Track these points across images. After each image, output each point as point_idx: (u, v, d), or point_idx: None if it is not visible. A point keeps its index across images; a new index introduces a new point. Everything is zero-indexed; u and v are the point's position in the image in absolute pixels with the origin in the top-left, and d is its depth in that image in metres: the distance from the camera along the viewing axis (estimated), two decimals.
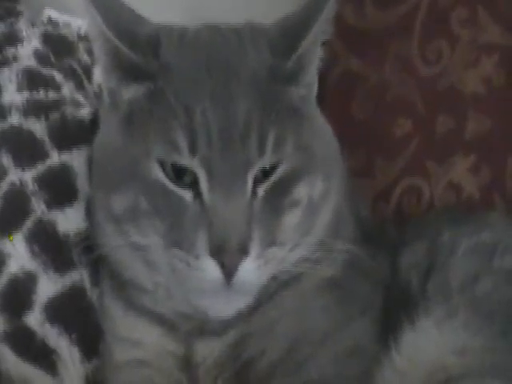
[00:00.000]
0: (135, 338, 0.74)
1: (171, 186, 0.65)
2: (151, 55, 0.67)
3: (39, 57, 0.84)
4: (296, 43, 0.68)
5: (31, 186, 0.76)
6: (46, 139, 0.78)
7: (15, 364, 0.73)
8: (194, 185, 0.65)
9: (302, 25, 0.69)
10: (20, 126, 0.78)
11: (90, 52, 0.85)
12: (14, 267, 0.73)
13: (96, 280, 0.77)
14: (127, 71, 0.68)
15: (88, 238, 0.76)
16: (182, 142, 0.64)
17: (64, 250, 0.75)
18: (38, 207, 0.75)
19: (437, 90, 0.95)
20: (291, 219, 0.67)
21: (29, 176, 0.76)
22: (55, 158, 0.77)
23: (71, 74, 0.84)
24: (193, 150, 0.64)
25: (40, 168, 0.77)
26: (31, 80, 0.81)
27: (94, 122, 0.79)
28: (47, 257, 0.75)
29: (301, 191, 0.68)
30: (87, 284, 0.76)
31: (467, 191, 0.91)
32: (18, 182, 0.76)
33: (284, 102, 0.68)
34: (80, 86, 0.85)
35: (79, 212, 0.77)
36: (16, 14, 0.91)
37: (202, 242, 0.63)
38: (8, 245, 0.72)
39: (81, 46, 0.88)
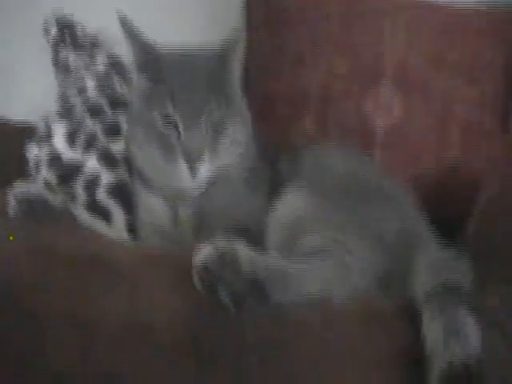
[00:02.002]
0: (149, 204, 1.10)
1: (164, 128, 1.02)
2: (158, 73, 1.05)
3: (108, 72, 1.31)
4: (225, 66, 1.07)
5: (101, 135, 1.20)
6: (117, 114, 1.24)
7: (88, 219, 1.09)
8: (175, 128, 1.02)
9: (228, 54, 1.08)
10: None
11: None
12: (88, 170, 1.13)
13: (131, 174, 1.14)
14: (145, 75, 1.07)
15: (126, 154, 1.14)
16: (170, 108, 1.02)
17: (114, 161, 1.15)
18: (103, 140, 1.18)
19: (305, 94, 1.51)
20: (224, 146, 1.05)
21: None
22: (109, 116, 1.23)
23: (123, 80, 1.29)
24: (175, 109, 1.01)
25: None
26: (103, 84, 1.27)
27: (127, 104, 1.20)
28: (106, 163, 1.15)
29: (229, 133, 1.06)
30: (127, 176, 1.15)
31: None
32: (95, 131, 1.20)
33: (222, 96, 1.05)
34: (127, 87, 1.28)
35: (123, 143, 1.17)
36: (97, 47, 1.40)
37: (180, 156, 1.00)
38: (86, 162, 1.14)
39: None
